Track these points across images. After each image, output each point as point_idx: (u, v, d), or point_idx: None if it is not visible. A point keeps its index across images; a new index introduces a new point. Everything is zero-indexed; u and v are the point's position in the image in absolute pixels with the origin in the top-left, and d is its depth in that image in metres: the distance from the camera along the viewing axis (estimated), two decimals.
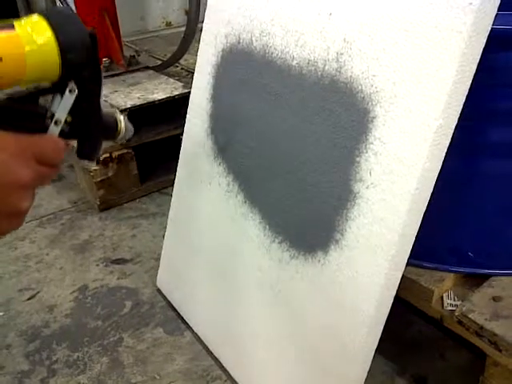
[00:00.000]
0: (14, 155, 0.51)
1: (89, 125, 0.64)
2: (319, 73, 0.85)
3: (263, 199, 0.99)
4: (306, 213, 0.89)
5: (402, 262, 0.79)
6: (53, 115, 0.59)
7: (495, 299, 0.90)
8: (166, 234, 1.33)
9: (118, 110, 0.69)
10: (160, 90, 1.84)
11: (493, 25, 0.68)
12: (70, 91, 0.59)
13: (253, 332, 1.04)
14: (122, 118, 0.70)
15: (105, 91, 1.85)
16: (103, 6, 2.03)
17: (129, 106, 1.70)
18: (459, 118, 0.71)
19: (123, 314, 1.34)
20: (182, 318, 1.28)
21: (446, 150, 0.73)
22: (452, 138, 0.72)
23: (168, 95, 1.79)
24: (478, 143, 0.88)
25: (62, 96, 0.59)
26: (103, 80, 0.63)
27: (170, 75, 2.04)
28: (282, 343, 0.97)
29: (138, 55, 2.21)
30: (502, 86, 0.81)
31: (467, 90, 0.70)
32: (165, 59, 2.17)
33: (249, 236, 1.02)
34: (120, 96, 1.80)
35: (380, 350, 0.85)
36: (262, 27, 0.95)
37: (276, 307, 0.97)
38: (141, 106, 1.73)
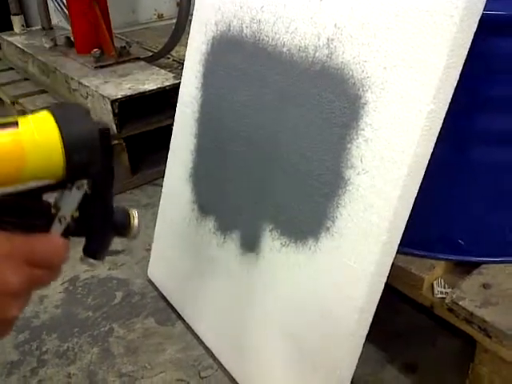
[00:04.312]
0: (4, 259, 0.47)
1: (97, 222, 0.59)
2: (310, 59, 0.85)
3: (252, 186, 0.98)
4: (296, 200, 0.89)
5: (393, 249, 0.79)
6: (57, 212, 0.54)
7: (485, 286, 0.90)
8: (157, 224, 1.32)
9: (131, 209, 0.66)
10: (151, 80, 1.83)
11: (484, 10, 0.68)
12: (78, 188, 0.54)
13: (243, 320, 1.04)
14: (136, 213, 0.65)
15: (95, 82, 1.84)
16: None
17: (119, 96, 1.69)
18: (450, 105, 0.71)
19: (114, 304, 1.33)
20: (174, 308, 1.28)
21: (436, 136, 0.73)
22: (442, 126, 0.72)
23: (159, 86, 1.78)
24: (468, 131, 0.88)
25: (68, 192, 0.54)
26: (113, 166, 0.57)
27: (161, 66, 2.03)
28: (273, 331, 0.97)
29: (130, 46, 2.18)
30: (493, 73, 0.81)
31: (458, 75, 0.70)
32: (156, 51, 2.15)
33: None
34: (111, 87, 1.78)
35: (371, 338, 0.85)
36: (253, 14, 0.95)
37: (266, 295, 0.97)
38: (131, 96, 1.72)
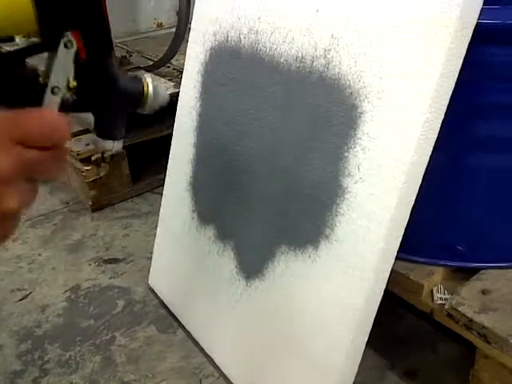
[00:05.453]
0: None
1: (101, 91, 0.49)
2: (307, 69, 0.86)
3: (251, 195, 0.99)
4: (295, 209, 0.90)
5: (391, 256, 0.79)
6: (47, 81, 0.45)
7: (484, 292, 0.91)
8: (157, 233, 1.33)
9: (144, 75, 0.53)
10: None
11: (478, 19, 0.69)
12: (66, 45, 0.44)
13: (242, 328, 1.04)
14: (149, 79, 0.54)
15: None
16: None
17: None
18: (446, 113, 0.72)
19: (115, 313, 1.33)
20: (175, 316, 1.28)
21: (433, 144, 0.74)
22: (439, 133, 0.73)
23: None
24: (465, 138, 0.88)
25: (55, 53, 0.44)
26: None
27: (161, 75, 2.04)
28: (272, 339, 0.97)
29: (130, 56, 2.20)
30: (488, 81, 0.82)
31: (454, 84, 0.71)
32: (156, 60, 2.17)
33: None
34: None
35: (370, 344, 0.85)
36: (250, 25, 0.96)
37: (266, 303, 0.98)
38: None
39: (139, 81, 0.53)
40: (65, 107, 0.46)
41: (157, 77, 1.99)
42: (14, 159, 0.40)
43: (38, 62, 0.46)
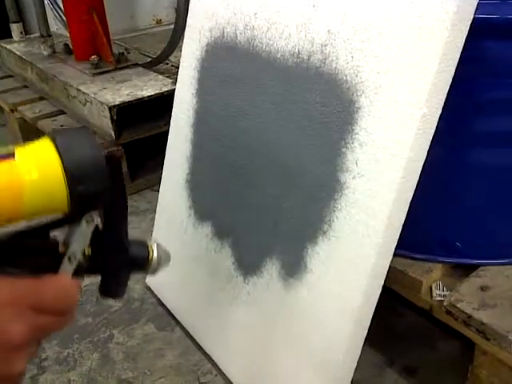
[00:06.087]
0: (5, 306, 0.41)
1: (112, 258, 0.54)
2: (304, 65, 0.85)
3: (248, 191, 0.98)
4: (293, 204, 0.89)
5: (390, 251, 0.79)
6: (66, 250, 0.49)
7: (483, 289, 0.90)
8: (154, 229, 1.32)
9: (150, 241, 0.59)
10: (149, 86, 1.83)
11: (475, 14, 0.68)
12: (87, 222, 0.49)
13: (240, 325, 1.04)
14: (155, 246, 0.59)
15: (94, 88, 1.84)
16: (91, 3, 2.02)
17: (117, 102, 1.70)
18: (444, 108, 0.72)
19: (114, 310, 1.33)
20: (173, 314, 1.28)
21: (431, 139, 0.73)
22: (437, 129, 0.72)
23: (157, 91, 1.78)
24: (462, 133, 0.88)
25: (76, 227, 0.49)
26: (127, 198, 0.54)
27: (159, 72, 2.03)
28: (270, 336, 0.97)
29: (128, 52, 2.20)
30: (486, 75, 0.82)
31: (451, 79, 0.70)
32: (154, 56, 2.16)
33: None
34: (109, 93, 1.79)
35: (370, 341, 0.85)
36: (246, 20, 0.95)
37: (264, 299, 0.97)
38: (130, 102, 1.72)
39: (145, 247, 0.59)
40: (77, 271, 0.50)
41: (155, 74, 1.98)
42: (27, 326, 0.42)
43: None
